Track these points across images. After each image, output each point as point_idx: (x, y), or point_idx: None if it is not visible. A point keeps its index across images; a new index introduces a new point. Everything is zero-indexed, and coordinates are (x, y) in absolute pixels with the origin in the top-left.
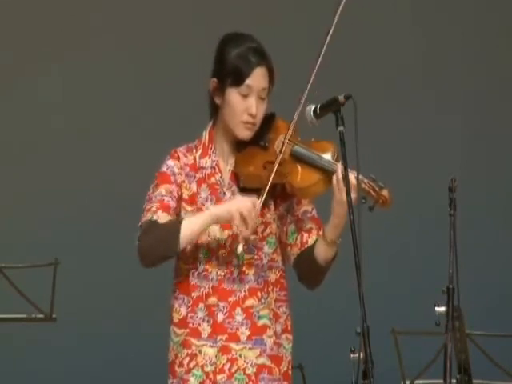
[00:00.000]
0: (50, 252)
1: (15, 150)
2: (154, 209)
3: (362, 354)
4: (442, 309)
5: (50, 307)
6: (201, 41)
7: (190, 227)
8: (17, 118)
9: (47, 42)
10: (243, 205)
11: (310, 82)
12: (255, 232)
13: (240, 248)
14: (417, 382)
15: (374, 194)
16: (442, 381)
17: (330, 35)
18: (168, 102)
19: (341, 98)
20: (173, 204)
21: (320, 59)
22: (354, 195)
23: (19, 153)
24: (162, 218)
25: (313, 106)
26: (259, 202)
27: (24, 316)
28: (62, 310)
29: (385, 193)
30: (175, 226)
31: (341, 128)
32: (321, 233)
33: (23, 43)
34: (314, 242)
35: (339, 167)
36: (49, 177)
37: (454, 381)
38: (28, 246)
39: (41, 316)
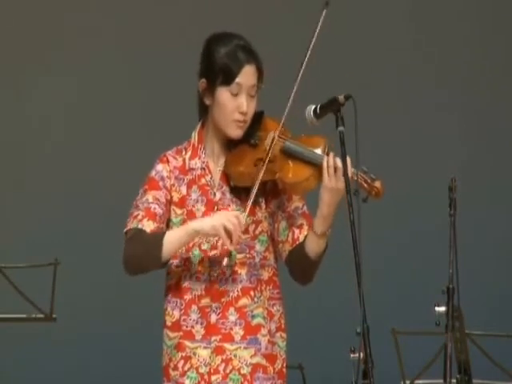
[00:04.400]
0: (50, 252)
1: (15, 150)
2: (139, 217)
3: (362, 354)
4: (442, 309)
5: (50, 307)
6: (201, 41)
7: (172, 242)
8: (17, 118)
9: (47, 42)
10: (227, 219)
11: (298, 79)
12: (247, 231)
13: (225, 261)
14: (417, 381)
15: (366, 186)
16: (441, 381)
17: (315, 37)
18: (168, 102)
19: (341, 98)
20: (159, 211)
21: (307, 57)
22: (341, 184)
23: (19, 153)
24: (147, 226)
25: (313, 106)
26: (244, 216)
27: (24, 316)
28: (62, 310)
29: (377, 184)
30: (158, 239)
31: (341, 128)
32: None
33: (23, 43)
34: (305, 238)
35: (331, 155)
36: (49, 177)
37: (453, 381)
38: (28, 246)
39: (41, 316)
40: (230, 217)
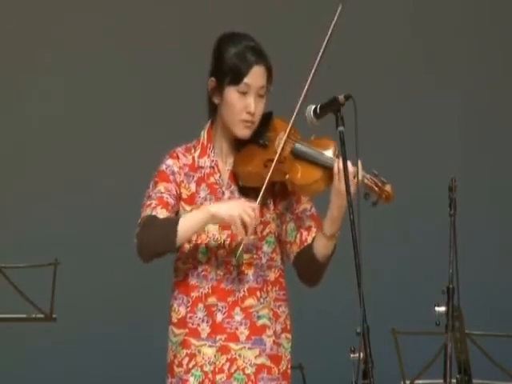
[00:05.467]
0: (50, 252)
1: (15, 150)
2: (153, 205)
3: (362, 354)
4: (442, 309)
5: (50, 307)
6: (200, 41)
7: (188, 223)
8: (16, 118)
9: (47, 42)
10: (244, 210)
11: (309, 80)
12: (254, 232)
13: (238, 253)
14: (417, 381)
15: (377, 189)
16: (441, 381)
17: (327, 40)
18: (168, 102)
19: (341, 98)
20: (171, 201)
21: (319, 59)
22: (352, 188)
23: (19, 153)
24: (161, 213)
25: (313, 106)
26: (258, 206)
27: (24, 316)
28: (62, 310)
29: (388, 188)
30: (173, 222)
31: (341, 128)
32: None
33: (23, 43)
34: (313, 239)
35: (340, 159)
36: (49, 177)
37: (453, 381)
38: (28, 246)
39: (41, 316)
40: (246, 208)
